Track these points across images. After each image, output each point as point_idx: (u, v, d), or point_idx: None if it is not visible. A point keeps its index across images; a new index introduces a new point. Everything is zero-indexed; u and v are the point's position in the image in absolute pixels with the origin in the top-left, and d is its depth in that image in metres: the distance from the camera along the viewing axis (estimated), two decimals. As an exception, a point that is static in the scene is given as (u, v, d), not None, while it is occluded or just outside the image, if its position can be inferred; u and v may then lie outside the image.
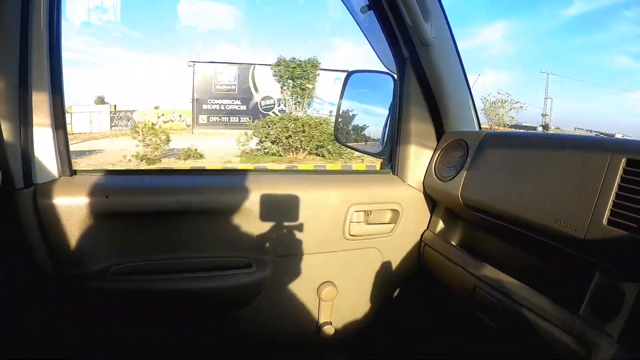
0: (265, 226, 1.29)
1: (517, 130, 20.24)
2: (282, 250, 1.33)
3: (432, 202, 1.49)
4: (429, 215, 1.50)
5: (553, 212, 0.99)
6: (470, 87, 1.39)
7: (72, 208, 1.12)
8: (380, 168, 1.55)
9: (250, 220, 1.28)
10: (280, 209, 1.30)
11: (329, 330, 1.45)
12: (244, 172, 1.35)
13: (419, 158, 1.44)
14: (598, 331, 0.90)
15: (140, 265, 1.22)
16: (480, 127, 1.45)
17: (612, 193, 0.90)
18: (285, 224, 1.31)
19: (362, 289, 1.51)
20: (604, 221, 0.89)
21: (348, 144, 1.65)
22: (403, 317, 1.64)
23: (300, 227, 1.32)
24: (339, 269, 1.44)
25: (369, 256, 1.46)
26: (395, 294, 1.59)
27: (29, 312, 1.20)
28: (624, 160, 0.91)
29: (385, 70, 1.46)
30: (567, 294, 1.01)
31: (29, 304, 1.19)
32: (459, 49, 1.35)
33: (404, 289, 1.59)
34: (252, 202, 1.26)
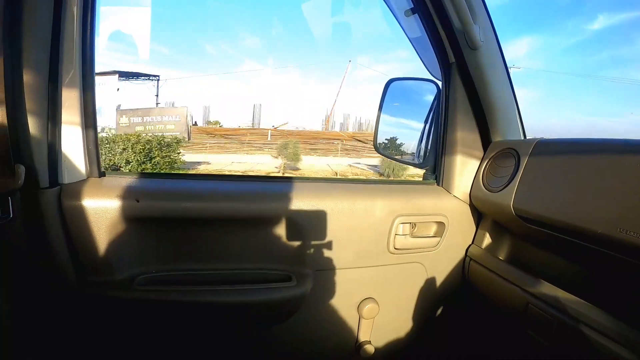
0: (306, 237, 1.22)
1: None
2: (323, 263, 1.26)
3: (478, 215, 1.41)
4: (474, 228, 1.42)
5: (618, 221, 0.92)
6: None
7: (99, 211, 1.07)
8: (424, 179, 1.48)
9: (289, 231, 1.22)
10: (322, 219, 1.23)
11: (369, 349, 1.38)
12: (281, 179, 1.30)
13: (465, 168, 1.36)
14: None
15: (169, 274, 1.17)
16: (525, 136, 1.37)
17: None
18: (328, 235, 1.24)
19: (404, 306, 1.43)
20: None
21: (388, 154, 1.58)
22: (447, 337, 1.55)
23: (343, 239, 1.26)
24: (381, 285, 1.36)
25: (412, 271, 1.38)
26: (439, 311, 1.50)
27: (48, 320, 1.14)
28: None
29: (429, 77, 1.41)
30: (631, 308, 0.94)
31: (49, 312, 1.13)
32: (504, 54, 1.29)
33: (448, 306, 1.50)
34: (291, 211, 1.20)
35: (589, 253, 1.00)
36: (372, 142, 1.56)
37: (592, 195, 1.00)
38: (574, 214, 1.02)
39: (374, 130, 1.51)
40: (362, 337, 1.38)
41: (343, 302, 1.33)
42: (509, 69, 1.32)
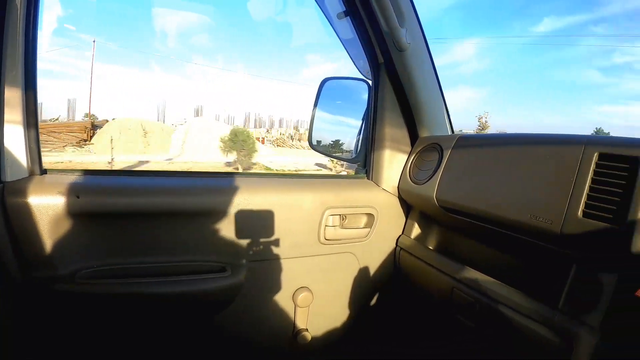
0: (240, 230, 1.26)
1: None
2: (257, 254, 1.30)
3: (407, 207, 1.49)
4: (404, 219, 1.50)
5: (528, 208, 1.01)
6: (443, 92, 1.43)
7: (41, 207, 1.06)
8: (356, 173, 1.54)
9: (224, 224, 1.25)
10: (255, 213, 1.27)
11: (305, 337, 1.42)
12: (217, 175, 1.33)
13: (393, 162, 1.45)
14: (578, 323, 0.91)
15: (111, 268, 1.17)
16: (453, 131, 1.47)
17: (586, 186, 0.92)
18: (261, 227, 1.28)
19: (338, 295, 1.49)
20: (579, 214, 0.91)
21: (322, 150, 1.64)
22: (381, 323, 1.62)
23: (275, 231, 1.30)
24: (314, 275, 1.41)
25: (344, 261, 1.45)
26: (372, 299, 1.57)
27: None
28: (596, 154, 0.94)
29: (361, 76, 1.48)
30: (545, 288, 1.02)
31: None
32: (432, 55, 1.38)
33: (381, 294, 1.58)
34: (226, 205, 1.23)
35: (505, 238, 1.09)
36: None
37: (506, 185, 1.09)
38: (490, 202, 1.11)
39: (309, 127, 1.57)
40: (299, 325, 1.43)
41: (278, 292, 1.37)
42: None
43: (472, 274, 1.18)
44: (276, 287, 1.37)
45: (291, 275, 1.38)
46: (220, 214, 1.23)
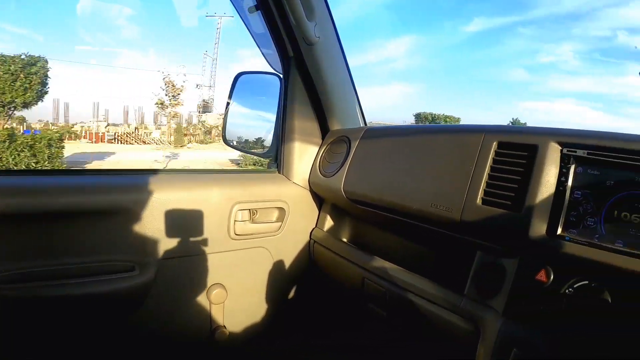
0: (149, 228, 1.23)
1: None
2: (167, 252, 1.27)
3: (319, 200, 1.51)
4: (317, 212, 1.52)
5: (429, 197, 1.03)
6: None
7: None
8: (268, 168, 1.55)
9: (133, 222, 1.21)
10: (163, 210, 1.24)
11: (223, 333, 1.41)
12: (123, 172, 1.30)
13: (303, 156, 1.46)
14: (483, 307, 0.95)
15: (16, 273, 1.11)
16: (366, 124, 1.50)
17: (485, 174, 0.96)
18: (169, 224, 1.26)
19: (254, 290, 1.48)
20: (478, 201, 0.95)
21: (236, 145, 1.64)
22: (298, 316, 1.62)
23: (184, 228, 1.28)
24: (227, 270, 1.40)
25: (257, 256, 1.44)
26: (289, 293, 1.58)
27: None
28: (495, 142, 0.98)
29: (273, 70, 1.49)
30: (452, 276, 1.05)
31: None
32: (344, 49, 1.40)
33: (298, 287, 1.58)
34: (135, 203, 1.20)
35: (412, 228, 1.11)
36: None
37: (409, 175, 1.11)
38: (394, 193, 1.13)
39: (222, 122, 1.56)
40: (216, 322, 1.41)
41: (192, 289, 1.35)
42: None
43: (381, 264, 1.20)
44: (189, 284, 1.34)
45: (203, 271, 1.36)
46: (128, 212, 1.20)
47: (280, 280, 1.52)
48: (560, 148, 0.92)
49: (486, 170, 0.97)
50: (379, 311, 1.25)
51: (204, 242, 1.33)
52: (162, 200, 1.24)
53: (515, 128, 1.03)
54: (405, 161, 1.15)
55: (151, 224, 1.23)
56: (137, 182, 1.24)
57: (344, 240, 1.43)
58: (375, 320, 1.29)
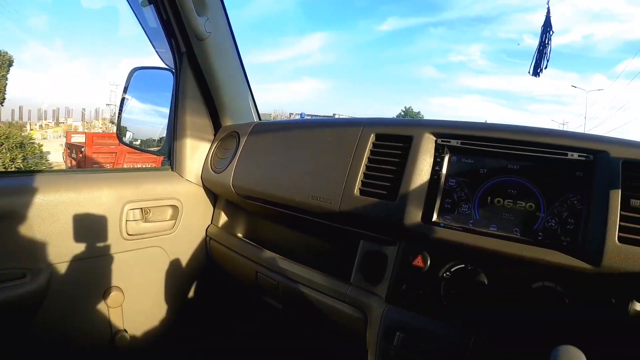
0: (38, 232, 1.14)
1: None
2: (59, 256, 1.19)
3: (214, 196, 1.47)
4: (212, 209, 1.49)
5: (310, 189, 1.05)
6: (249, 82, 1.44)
7: None
8: (162, 165, 1.49)
9: (20, 227, 1.12)
10: (52, 212, 1.16)
11: (124, 337, 1.34)
12: (6, 174, 1.23)
13: (196, 152, 1.42)
14: (368, 294, 0.98)
15: None
16: (260, 119, 1.50)
17: (362, 165, 0.99)
18: (60, 227, 1.18)
19: (152, 291, 1.42)
20: (356, 191, 0.97)
21: (131, 143, 1.56)
22: (199, 315, 1.58)
23: (75, 230, 1.21)
24: (123, 272, 1.33)
25: (152, 255, 1.38)
26: (189, 292, 1.53)
27: None
28: (373, 134, 1.01)
29: (166, 66, 1.44)
30: (339, 265, 1.07)
31: None
32: (237, 44, 1.39)
33: (197, 285, 1.54)
34: (20, 206, 1.11)
35: (300, 221, 1.12)
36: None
37: (293, 168, 1.12)
38: (278, 186, 1.14)
39: (117, 120, 1.48)
40: (116, 327, 1.34)
41: (88, 294, 1.28)
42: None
43: (273, 257, 1.20)
44: (84, 289, 1.26)
45: (98, 275, 1.29)
46: (14, 216, 1.11)
47: (179, 280, 1.47)
48: (434, 139, 0.96)
49: (363, 161, 0.99)
50: (274, 303, 1.26)
51: (96, 244, 1.26)
52: (50, 202, 1.15)
53: (393, 120, 1.06)
54: (289, 155, 1.16)
55: (40, 227, 1.15)
56: (23, 183, 1.15)
57: (239, 235, 1.42)
58: (272, 313, 1.30)
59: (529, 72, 0.99)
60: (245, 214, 1.44)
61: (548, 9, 0.96)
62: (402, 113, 32.79)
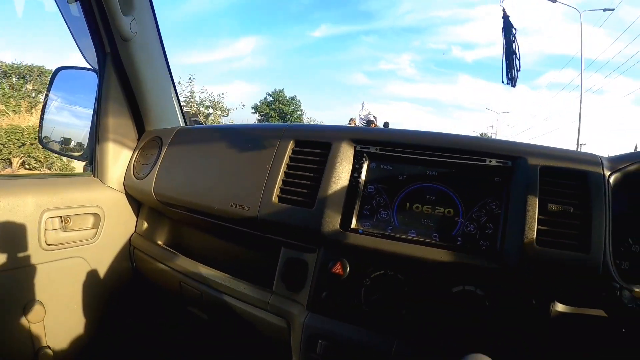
0: None
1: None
2: None
3: (137, 203, 1.41)
4: (135, 217, 1.42)
5: (230, 197, 1.02)
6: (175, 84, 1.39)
7: None
8: (84, 171, 1.42)
9: None
10: None
11: (46, 354, 1.25)
12: None
13: (118, 158, 1.35)
14: (291, 302, 0.96)
15: None
16: (187, 124, 1.45)
17: (281, 172, 0.97)
18: None
19: (74, 304, 1.33)
20: (274, 199, 0.96)
21: (53, 147, 1.48)
22: (125, 327, 1.50)
23: None
24: (43, 285, 1.24)
25: (74, 266, 1.30)
26: (113, 303, 1.44)
27: None
28: (292, 141, 1.00)
29: (91, 66, 1.37)
30: (262, 273, 1.05)
31: None
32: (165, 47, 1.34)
33: (122, 296, 1.46)
34: None
35: (221, 229, 1.09)
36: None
37: (212, 175, 1.09)
38: (198, 193, 1.10)
39: (39, 122, 1.40)
40: (38, 343, 1.25)
41: (7, 309, 1.18)
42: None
43: (196, 266, 1.17)
44: (3, 303, 1.17)
45: (16, 288, 1.20)
46: None
47: (103, 291, 1.39)
48: (354, 145, 0.96)
49: (282, 168, 0.98)
50: (199, 313, 1.23)
51: (13, 255, 1.16)
52: None
53: (313, 127, 1.06)
54: (210, 161, 1.13)
55: None
56: None
57: (164, 244, 1.37)
58: (197, 323, 1.27)
59: (502, 82, 0.94)
60: (169, 222, 1.38)
61: (504, 10, 0.93)
62: (269, 97, 29.62)
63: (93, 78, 1.36)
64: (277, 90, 29.67)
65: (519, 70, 0.92)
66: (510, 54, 0.91)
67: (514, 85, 0.93)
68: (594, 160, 0.87)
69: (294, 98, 29.93)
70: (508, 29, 0.92)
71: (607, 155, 0.92)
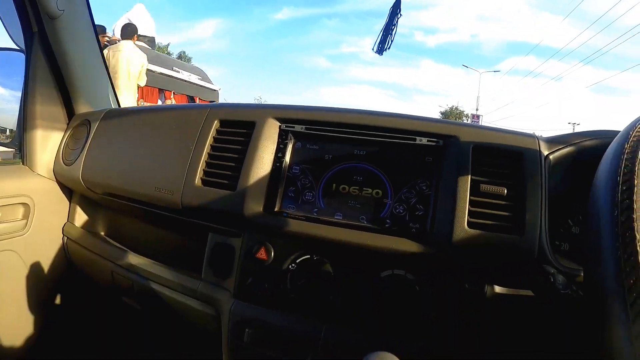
0: None
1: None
2: None
3: (69, 191, 1.34)
4: (68, 205, 1.35)
5: (154, 180, 0.98)
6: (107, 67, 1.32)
7: None
8: (14, 158, 1.35)
9: None
10: None
11: None
12: None
13: (47, 143, 1.28)
14: (219, 289, 0.93)
15: None
16: (120, 106, 1.39)
17: (204, 153, 0.92)
18: None
19: (10, 302, 1.26)
20: (197, 182, 0.91)
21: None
22: (65, 322, 1.43)
23: None
24: None
25: (5, 261, 1.22)
26: (51, 298, 1.38)
27: None
28: (217, 120, 0.95)
29: (18, 47, 1.29)
30: (192, 260, 1.01)
31: None
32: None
33: (59, 289, 1.40)
34: None
35: (151, 215, 1.04)
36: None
37: (137, 159, 1.04)
38: (127, 178, 1.05)
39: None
40: None
41: None
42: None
43: (127, 255, 1.13)
44: None
45: None
46: None
47: (38, 286, 1.32)
48: (278, 124, 0.92)
49: (205, 149, 0.94)
50: (133, 303, 1.19)
51: None
52: None
53: (238, 105, 1.00)
54: (137, 144, 1.08)
55: None
56: None
57: (97, 232, 1.32)
58: (133, 313, 1.23)
59: (372, 49, 0.99)
60: (101, 209, 1.32)
61: None
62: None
63: (21, 59, 1.28)
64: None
65: (389, 47, 0.94)
66: (389, 30, 0.95)
67: (381, 54, 1.00)
68: (531, 139, 0.84)
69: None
70: (396, 8, 0.95)
71: (546, 136, 0.90)
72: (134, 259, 1.11)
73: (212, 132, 0.95)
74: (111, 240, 1.23)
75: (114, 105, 1.37)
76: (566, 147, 0.84)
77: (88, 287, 1.39)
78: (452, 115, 40.46)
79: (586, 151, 0.81)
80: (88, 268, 1.30)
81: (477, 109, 27.58)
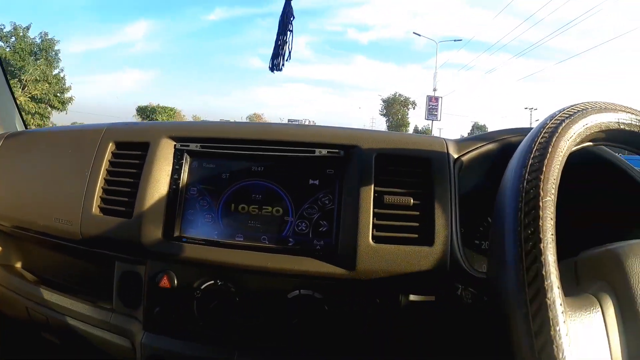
0: None
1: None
2: None
3: None
4: None
5: (53, 210, 0.92)
6: (10, 84, 1.24)
7: None
8: None
9: None
10: None
11: None
12: None
13: None
14: (131, 320, 0.89)
15: None
16: (26, 127, 1.32)
17: (100, 179, 0.88)
18: None
19: None
20: (94, 210, 0.86)
21: None
22: None
23: None
24: None
25: None
26: None
27: None
28: (112, 142, 0.90)
29: None
30: (104, 290, 0.96)
31: None
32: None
33: None
34: None
35: (58, 246, 0.98)
36: None
37: (37, 187, 0.98)
38: (22, 208, 0.99)
39: None
40: None
41: None
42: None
43: (39, 288, 1.06)
44: None
45: None
46: None
47: None
48: (173, 143, 0.87)
49: (101, 174, 0.89)
50: (53, 338, 1.13)
51: None
52: None
53: (134, 125, 0.95)
54: (36, 170, 1.01)
55: None
56: None
57: (12, 265, 1.23)
58: (58, 352, 1.17)
59: (269, 68, 0.91)
60: (12, 241, 1.22)
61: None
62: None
63: None
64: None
65: (288, 59, 0.88)
66: (283, 44, 0.88)
67: (280, 70, 0.92)
68: (439, 144, 0.82)
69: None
70: (287, 17, 0.89)
71: (454, 138, 0.88)
72: (47, 293, 1.05)
73: (108, 156, 0.90)
74: (26, 273, 1.16)
75: (19, 127, 1.29)
76: (486, 144, 0.82)
77: (2, 323, 1.32)
78: (396, 102, 40.04)
79: (510, 148, 0.79)
80: (2, 305, 1.22)
81: (434, 90, 25.24)
